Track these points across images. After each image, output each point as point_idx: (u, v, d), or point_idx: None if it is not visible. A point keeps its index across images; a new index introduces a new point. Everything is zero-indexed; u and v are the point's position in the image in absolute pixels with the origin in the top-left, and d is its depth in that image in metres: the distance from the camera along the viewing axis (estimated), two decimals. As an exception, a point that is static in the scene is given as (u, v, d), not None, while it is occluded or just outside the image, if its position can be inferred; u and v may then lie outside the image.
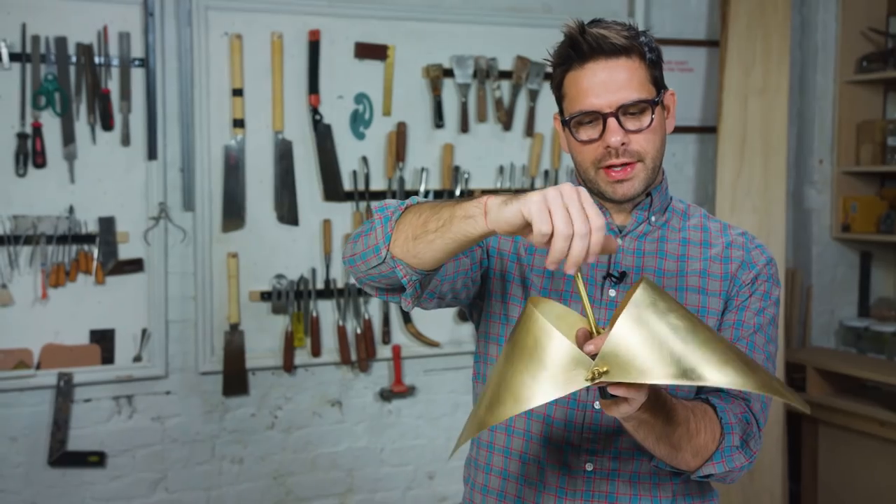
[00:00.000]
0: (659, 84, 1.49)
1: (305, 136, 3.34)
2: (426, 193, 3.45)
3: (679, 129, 3.99)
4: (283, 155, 3.30)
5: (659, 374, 1.10)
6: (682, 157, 4.01)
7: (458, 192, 3.49)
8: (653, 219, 1.56)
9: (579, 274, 1.16)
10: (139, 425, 3.23)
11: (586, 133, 1.47)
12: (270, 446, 3.40)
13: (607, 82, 1.44)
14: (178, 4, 3.16)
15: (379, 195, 3.40)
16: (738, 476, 1.48)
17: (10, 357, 3.04)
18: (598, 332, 1.18)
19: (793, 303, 4.08)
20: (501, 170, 3.59)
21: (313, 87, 3.32)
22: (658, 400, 1.30)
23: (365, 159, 3.39)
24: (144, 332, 3.20)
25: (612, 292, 1.51)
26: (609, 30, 1.45)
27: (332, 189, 3.37)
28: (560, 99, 1.52)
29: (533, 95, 3.59)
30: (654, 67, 1.49)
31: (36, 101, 3.01)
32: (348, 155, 3.38)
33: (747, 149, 3.80)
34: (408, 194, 3.44)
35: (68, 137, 3.05)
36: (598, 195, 1.52)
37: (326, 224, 3.37)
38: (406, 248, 1.30)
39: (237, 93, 3.22)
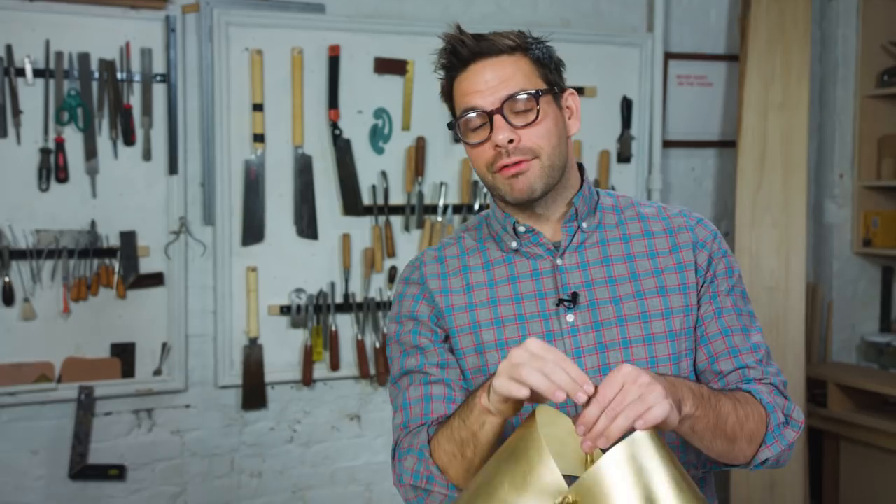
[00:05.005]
0: (552, 83, 1.47)
1: (325, 150, 3.36)
2: (445, 208, 3.45)
3: (698, 144, 3.99)
4: (303, 169, 3.32)
5: None
6: (702, 172, 4.00)
7: (476, 207, 3.49)
8: (584, 225, 1.51)
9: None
10: (159, 439, 3.24)
11: (477, 136, 1.44)
12: (289, 460, 3.40)
13: (490, 80, 1.42)
14: (200, 20, 3.19)
15: (398, 209, 3.42)
16: (790, 455, 1.46)
17: (31, 370, 3.06)
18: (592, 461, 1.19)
19: (814, 318, 4.05)
20: (520, 184, 3.58)
21: (333, 101, 3.33)
22: (702, 395, 1.30)
23: (384, 174, 3.40)
24: (164, 345, 3.21)
25: (570, 317, 1.46)
26: (491, 35, 1.44)
27: (352, 203, 3.38)
28: (453, 110, 1.50)
29: (552, 110, 3.59)
30: (545, 67, 1.46)
31: (59, 116, 3.04)
32: (368, 169, 3.40)
33: (767, 163, 3.79)
34: (426, 209, 3.45)
35: (90, 152, 3.08)
36: (501, 200, 1.50)
37: (346, 238, 3.38)
38: (463, 479, 1.41)
39: (257, 108, 3.24)
